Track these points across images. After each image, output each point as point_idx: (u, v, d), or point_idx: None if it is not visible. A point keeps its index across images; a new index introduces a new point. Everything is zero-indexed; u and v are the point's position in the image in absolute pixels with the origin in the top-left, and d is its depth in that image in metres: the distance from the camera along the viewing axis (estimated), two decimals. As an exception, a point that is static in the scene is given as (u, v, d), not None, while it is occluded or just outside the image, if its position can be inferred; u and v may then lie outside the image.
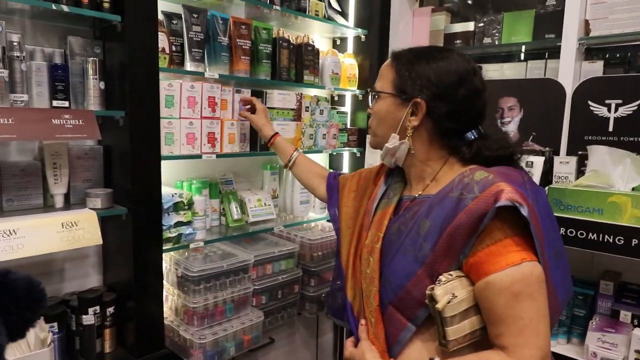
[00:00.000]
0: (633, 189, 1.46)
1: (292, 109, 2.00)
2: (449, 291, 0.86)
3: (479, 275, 0.85)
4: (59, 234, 1.26)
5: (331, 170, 1.50)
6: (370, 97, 1.07)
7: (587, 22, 1.79)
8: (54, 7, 1.28)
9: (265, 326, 1.86)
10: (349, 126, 2.34)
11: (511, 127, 1.86)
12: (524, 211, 0.82)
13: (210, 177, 1.93)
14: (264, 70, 1.90)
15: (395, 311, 0.96)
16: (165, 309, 1.67)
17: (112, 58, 1.47)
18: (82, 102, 1.46)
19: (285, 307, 1.93)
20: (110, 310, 1.52)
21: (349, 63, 2.24)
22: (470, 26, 2.08)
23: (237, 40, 1.80)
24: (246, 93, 1.86)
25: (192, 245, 1.70)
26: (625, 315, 1.56)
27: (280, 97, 1.95)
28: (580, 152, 1.65)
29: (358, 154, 2.33)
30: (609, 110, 1.65)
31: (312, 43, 2.07)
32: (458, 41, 2.10)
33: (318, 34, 2.32)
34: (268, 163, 2.13)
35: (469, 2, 2.33)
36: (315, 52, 2.08)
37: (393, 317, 0.96)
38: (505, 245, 0.84)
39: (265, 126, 1.68)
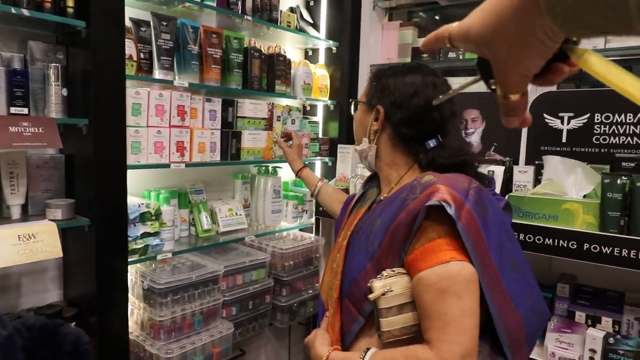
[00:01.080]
0: (584, 196, 1.54)
1: (263, 119, 2.00)
2: (387, 285, 0.91)
3: (413, 271, 0.90)
4: (15, 246, 1.20)
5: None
6: (352, 106, 1.20)
7: (545, 39, 1.88)
8: (13, 10, 1.24)
9: (236, 338, 1.82)
10: (320, 136, 2.36)
11: (474, 138, 1.92)
12: (451, 210, 0.87)
13: (179, 187, 1.89)
14: (235, 80, 1.90)
15: (349, 303, 1.03)
16: (131, 323, 1.62)
17: (75, 64, 1.44)
18: (43, 109, 1.41)
19: (257, 318, 1.90)
20: (72, 326, 1.46)
21: (321, 74, 2.26)
22: (437, 40, 2.14)
23: (208, 49, 1.79)
24: (217, 102, 1.85)
25: (159, 257, 1.66)
26: (580, 316, 1.62)
27: (252, 107, 1.95)
28: (537, 162, 1.73)
29: (330, 163, 2.35)
30: (562, 123, 1.74)
31: (283, 53, 2.08)
32: (425, 55, 2.16)
33: (290, 45, 2.33)
34: (239, 172, 2.12)
35: (436, 17, 2.41)
36: (287, 63, 2.09)
37: (347, 309, 1.03)
38: (438, 244, 0.89)
39: (296, 161, 1.72)
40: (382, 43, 2.29)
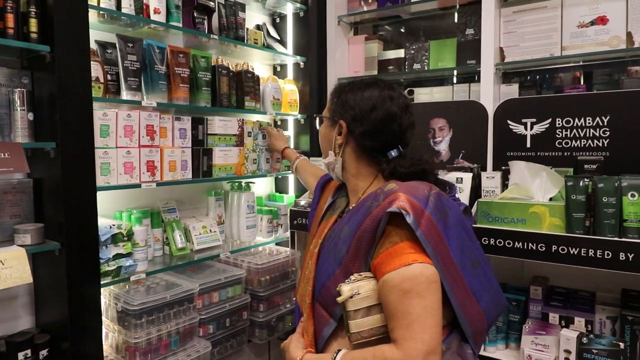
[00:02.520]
0: (550, 199, 1.59)
1: (234, 135, 2.02)
2: (355, 288, 0.96)
3: (379, 274, 0.95)
4: (-18, 274, 1.18)
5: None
6: (317, 121, 1.26)
7: (501, 50, 1.97)
8: (-25, 38, 1.24)
9: (214, 356, 1.81)
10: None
11: (443, 146, 1.98)
12: (409, 219, 0.93)
13: (151, 206, 1.89)
14: (204, 98, 1.91)
15: (320, 307, 1.07)
16: (105, 347, 1.60)
17: (41, 88, 1.43)
18: (9, 134, 1.40)
19: (234, 335, 1.89)
20: (44, 353, 1.43)
21: (290, 89, 2.30)
22: (401, 53, 2.21)
23: (175, 68, 1.80)
24: (186, 120, 1.86)
25: (132, 278, 1.64)
26: (553, 317, 1.67)
27: (222, 124, 1.96)
28: (503, 167, 1.79)
29: (303, 177, 2.38)
30: (526, 128, 1.81)
31: (252, 70, 2.11)
32: (391, 67, 2.22)
33: (258, 61, 2.37)
34: (212, 189, 2.12)
35: (402, 30, 2.49)
36: (256, 79, 2.12)
37: (319, 313, 1.07)
38: (401, 247, 0.94)
39: (279, 142, 2.06)
40: (348, 57, 2.35)
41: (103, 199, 1.70)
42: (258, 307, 1.97)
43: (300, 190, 2.38)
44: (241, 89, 2.07)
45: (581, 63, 2.00)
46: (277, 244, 2.30)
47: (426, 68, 2.15)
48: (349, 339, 0.97)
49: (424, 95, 2.12)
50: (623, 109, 1.68)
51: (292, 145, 2.41)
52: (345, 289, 0.95)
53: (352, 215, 1.06)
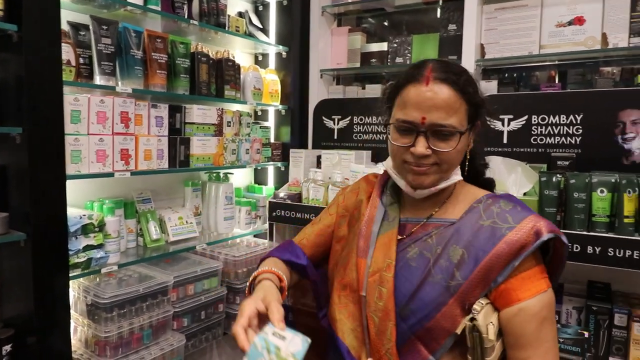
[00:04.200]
0: (525, 194, 1.62)
1: (213, 124, 1.97)
2: (486, 320, 0.87)
3: (509, 301, 0.88)
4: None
5: (297, 258, 1.13)
6: (441, 135, 0.90)
7: (482, 46, 1.98)
8: None
9: (188, 350, 1.78)
10: (272, 140, 2.35)
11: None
12: (565, 239, 0.89)
13: (125, 196, 1.83)
14: (182, 85, 1.86)
15: (418, 344, 0.91)
16: (74, 341, 1.54)
17: (7, 70, 1.35)
18: (-29, 117, 1.32)
19: (210, 328, 1.86)
20: (7, 348, 1.37)
21: (271, 79, 2.26)
22: (384, 46, 2.20)
23: (152, 54, 1.74)
24: (163, 108, 1.80)
25: (104, 270, 1.59)
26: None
27: (200, 112, 1.91)
28: (481, 163, 1.81)
29: (283, 168, 2.35)
30: (503, 125, 1.83)
31: (232, 58, 2.06)
32: (374, 60, 2.21)
33: (240, 50, 2.32)
34: (190, 179, 2.07)
35: (385, 23, 2.47)
36: (236, 68, 2.07)
37: (414, 349, 0.91)
38: (535, 272, 0.89)
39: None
40: (331, 48, 2.32)
41: (74, 188, 1.63)
42: (234, 299, 1.94)
43: (280, 182, 2.35)
44: (221, 77, 2.02)
45: (557, 62, 2.04)
46: (255, 236, 2.27)
47: (408, 62, 2.14)
48: None
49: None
50: (595, 108, 1.71)
51: (272, 137, 2.38)
52: (482, 322, 0.85)
53: (462, 233, 0.92)
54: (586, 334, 1.51)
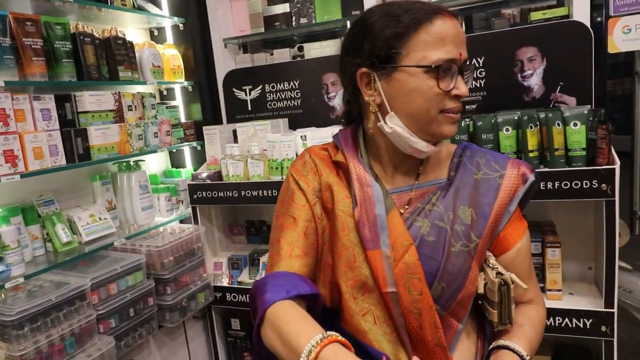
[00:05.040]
0: (438, 143, 1.65)
1: (111, 110, 1.82)
2: (505, 271, 0.87)
3: (508, 246, 0.90)
4: None
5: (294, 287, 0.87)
6: (465, 74, 0.85)
7: (383, -3, 1.94)
8: None
9: (121, 350, 1.69)
10: (183, 120, 2.23)
11: (337, 101, 1.96)
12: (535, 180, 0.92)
13: (21, 202, 1.66)
14: (67, 71, 1.68)
15: (450, 319, 0.86)
16: (-16, 365, 1.41)
17: None
18: None
19: (142, 324, 1.78)
20: None
21: (171, 54, 2.11)
22: (286, 7, 2.10)
23: (24, 39, 1.54)
24: (48, 99, 1.62)
25: (8, 285, 1.45)
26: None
27: (94, 99, 1.75)
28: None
29: (199, 148, 2.24)
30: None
31: (122, 36, 1.88)
32: (278, 23, 2.11)
33: (131, 26, 2.13)
34: (96, 173, 1.92)
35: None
36: (129, 46, 1.90)
37: (447, 326, 0.85)
38: (518, 212, 0.93)
39: None
40: (232, 15, 2.19)
41: (-47, 201, 1.45)
42: (165, 290, 1.86)
43: (199, 162, 2.24)
44: (112, 58, 1.85)
45: (462, 6, 2.05)
46: (181, 221, 2.18)
47: (314, 22, 2.07)
48: (509, 324, 0.86)
49: (314, 50, 2.05)
50: (495, 49, 1.75)
51: (182, 117, 2.25)
52: (507, 276, 0.85)
53: (463, 192, 0.87)
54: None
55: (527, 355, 0.84)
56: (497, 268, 0.85)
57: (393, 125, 0.85)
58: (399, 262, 0.83)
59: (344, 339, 0.72)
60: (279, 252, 0.89)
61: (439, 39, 0.79)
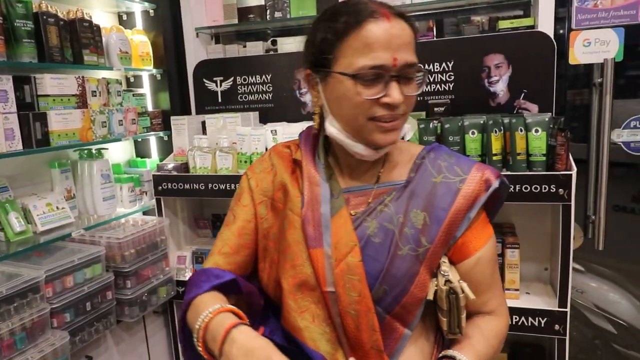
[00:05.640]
0: (408, 142, 1.68)
1: (73, 95, 1.74)
2: (455, 278, 0.84)
3: (467, 253, 0.87)
4: None
5: (217, 278, 0.90)
6: (406, 77, 0.81)
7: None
8: None
9: (76, 345, 1.63)
10: (150, 109, 2.16)
11: (309, 97, 1.95)
12: (506, 181, 0.90)
13: (-29, 187, 1.56)
14: (28, 52, 1.59)
15: (394, 322, 0.84)
16: None
17: None
18: None
19: (99, 319, 1.72)
20: None
21: (140, 40, 2.04)
22: (262, 0, 2.08)
23: (-20, 15, 1.46)
24: (6, 80, 1.53)
25: (-47, 275, 1.36)
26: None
27: (55, 82, 1.67)
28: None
29: (166, 138, 2.18)
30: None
31: (88, 18, 1.81)
32: (252, 15, 2.08)
33: (99, 9, 2.05)
34: (56, 160, 1.83)
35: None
36: (95, 29, 1.83)
37: (391, 330, 0.84)
38: (483, 219, 0.89)
39: None
40: (205, 4, 2.15)
41: None
42: (125, 284, 1.80)
43: (165, 153, 2.18)
44: (77, 40, 1.77)
45: (433, 11, 2.09)
46: (145, 213, 2.11)
47: (288, 16, 2.06)
48: (459, 333, 0.85)
49: (288, 44, 2.04)
50: (464, 54, 1.80)
51: (150, 106, 2.18)
52: (456, 284, 0.82)
53: (419, 195, 0.85)
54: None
55: None
56: (447, 275, 0.83)
57: (332, 128, 0.86)
58: (341, 262, 0.83)
59: (239, 310, 0.79)
60: (213, 248, 0.96)
61: (366, 45, 0.76)
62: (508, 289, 1.68)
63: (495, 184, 0.86)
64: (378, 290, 0.82)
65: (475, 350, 0.84)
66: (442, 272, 0.84)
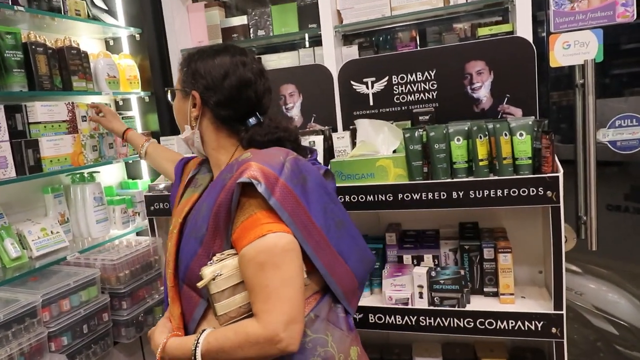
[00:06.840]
0: (394, 151, 1.70)
1: (64, 121, 1.78)
2: (217, 270, 0.91)
3: (237, 247, 0.92)
4: None
5: (186, 155, 1.42)
6: (169, 95, 1.16)
7: (339, 12, 2.00)
8: None
9: (74, 368, 1.64)
10: (140, 131, 2.20)
11: (294, 112, 1.98)
12: (260, 188, 0.90)
13: (-34, 216, 1.59)
14: (18, 81, 1.64)
15: (188, 289, 1.03)
16: None
17: None
18: None
19: (96, 341, 1.73)
20: None
21: (127, 64, 2.08)
22: (244, 19, 2.12)
23: (-30, 48, 1.50)
24: (-4, 109, 1.57)
25: (-52, 303, 1.38)
26: (407, 258, 1.81)
27: (45, 110, 1.71)
28: (351, 127, 1.85)
29: (158, 159, 2.21)
30: (367, 87, 1.88)
31: (76, 45, 1.85)
32: (235, 34, 2.13)
33: (86, 35, 2.09)
34: (49, 185, 1.86)
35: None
36: (83, 56, 1.87)
37: (188, 295, 1.03)
38: (257, 219, 0.91)
39: (116, 125, 1.78)
40: (189, 26, 2.19)
41: None
42: (120, 305, 1.82)
43: (156, 173, 2.21)
44: (66, 68, 1.81)
45: (412, 22, 2.12)
46: (138, 234, 2.13)
47: (271, 34, 2.10)
48: (218, 321, 0.94)
49: (271, 62, 2.08)
50: (445, 62, 1.82)
51: (139, 128, 2.22)
52: (207, 272, 0.91)
53: (211, 190, 1.01)
54: (462, 272, 1.64)
55: (197, 345, 0.93)
56: (210, 264, 0.93)
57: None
58: (171, 232, 1.10)
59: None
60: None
61: None
62: (503, 294, 1.67)
63: (242, 179, 0.91)
64: (178, 260, 1.05)
65: (214, 333, 0.94)
66: (209, 262, 0.94)
